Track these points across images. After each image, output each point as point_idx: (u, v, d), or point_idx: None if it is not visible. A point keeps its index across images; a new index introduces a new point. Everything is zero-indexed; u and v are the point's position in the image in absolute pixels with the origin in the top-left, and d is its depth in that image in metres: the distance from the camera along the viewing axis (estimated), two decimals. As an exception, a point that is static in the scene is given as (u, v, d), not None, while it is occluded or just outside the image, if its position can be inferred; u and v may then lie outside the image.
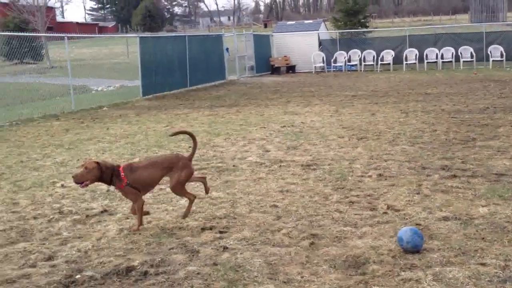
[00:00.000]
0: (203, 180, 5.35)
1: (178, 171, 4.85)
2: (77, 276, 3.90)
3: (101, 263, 4.13)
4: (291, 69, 26.56)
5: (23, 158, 8.21)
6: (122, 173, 4.66)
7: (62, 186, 6.49)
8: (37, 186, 6.53)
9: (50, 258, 4.27)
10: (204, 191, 5.37)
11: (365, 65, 25.30)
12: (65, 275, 3.93)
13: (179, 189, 4.92)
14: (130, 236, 4.71)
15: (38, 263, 4.19)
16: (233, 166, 7.18)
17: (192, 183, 5.72)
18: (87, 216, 5.32)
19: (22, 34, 19.30)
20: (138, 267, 4.01)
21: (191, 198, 5.04)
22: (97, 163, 4.59)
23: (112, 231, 4.85)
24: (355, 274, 3.78)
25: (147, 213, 5.06)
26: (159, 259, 4.14)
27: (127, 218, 5.19)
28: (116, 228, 4.91)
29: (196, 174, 5.58)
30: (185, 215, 5.05)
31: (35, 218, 5.31)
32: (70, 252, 4.37)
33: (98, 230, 4.89)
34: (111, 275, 3.91)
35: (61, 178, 6.89)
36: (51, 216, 5.30)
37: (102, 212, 5.42)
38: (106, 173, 4.60)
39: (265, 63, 26.36)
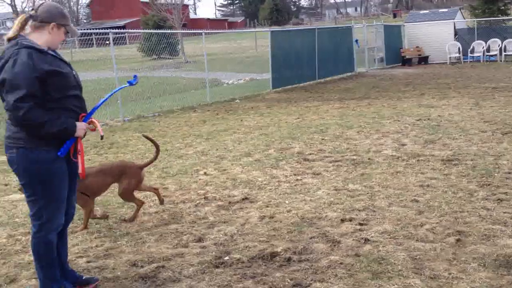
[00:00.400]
0: (155, 191, 5.55)
1: (127, 179, 5.03)
2: (226, 258, 4.15)
3: (246, 247, 4.35)
4: (423, 60, 25.49)
5: (167, 147, 8.81)
6: None
7: (205, 173, 6.88)
8: (182, 173, 6.99)
9: (200, 239, 4.58)
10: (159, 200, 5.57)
11: (505, 55, 23.55)
12: (214, 256, 4.20)
13: (127, 195, 5.11)
14: (271, 223, 4.89)
15: (190, 243, 4.51)
16: (368, 159, 7.11)
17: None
18: (229, 202, 5.61)
19: (164, 31, 20.55)
20: (282, 253, 4.16)
21: (139, 203, 5.18)
22: None
23: (254, 217, 5.07)
24: (507, 274, 3.60)
25: (106, 217, 5.16)
26: (302, 247, 4.26)
27: (267, 206, 5.39)
28: (258, 215, 5.13)
29: (149, 184, 5.86)
30: (131, 219, 5.11)
31: (183, 202, 5.71)
32: (217, 235, 4.65)
33: (241, 216, 5.13)
34: (257, 259, 4.10)
35: (203, 166, 7.30)
36: (197, 201, 5.67)
37: (243, 199, 5.67)
38: None
39: (395, 55, 25.58)
